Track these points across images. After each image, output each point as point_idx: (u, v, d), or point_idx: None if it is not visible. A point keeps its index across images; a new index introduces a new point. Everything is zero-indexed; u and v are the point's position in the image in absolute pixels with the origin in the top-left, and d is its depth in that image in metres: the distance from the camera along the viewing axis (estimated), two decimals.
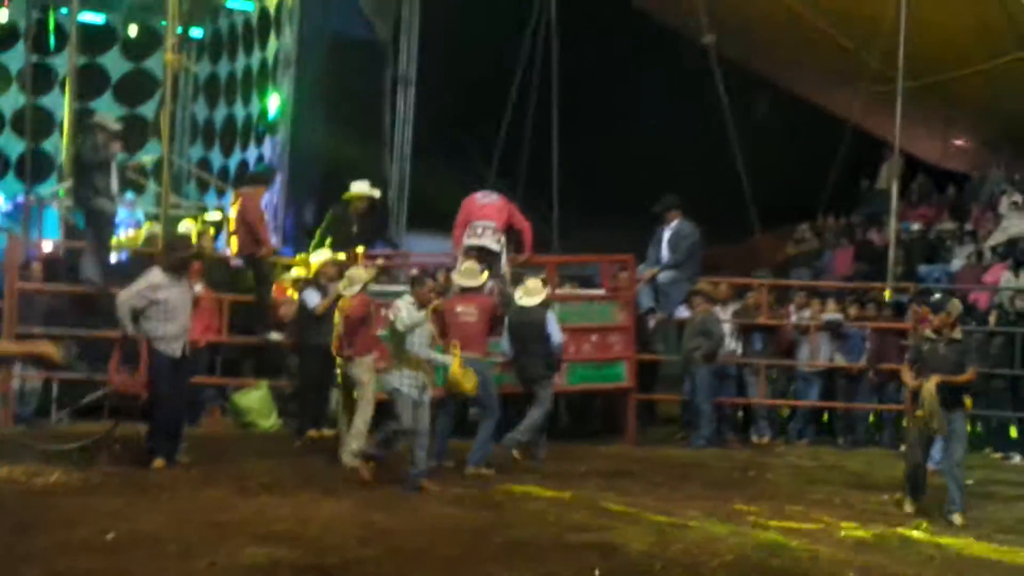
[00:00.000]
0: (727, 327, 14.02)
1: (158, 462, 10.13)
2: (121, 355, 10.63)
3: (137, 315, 10.18)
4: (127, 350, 10.78)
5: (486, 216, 12.52)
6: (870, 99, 19.32)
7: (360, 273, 11.44)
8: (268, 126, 20.44)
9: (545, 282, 12.22)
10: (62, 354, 5.03)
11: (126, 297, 10.19)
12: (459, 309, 11.07)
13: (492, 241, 12.35)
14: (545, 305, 11.78)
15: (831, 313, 14.33)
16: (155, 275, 10.30)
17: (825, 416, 14.94)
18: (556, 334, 11.73)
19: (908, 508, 9.92)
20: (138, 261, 14.12)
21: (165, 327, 10.19)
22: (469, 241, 12.37)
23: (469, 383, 10.57)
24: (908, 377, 9.96)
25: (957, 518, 9.50)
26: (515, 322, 11.69)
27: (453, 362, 10.55)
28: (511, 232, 12.99)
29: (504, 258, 12.62)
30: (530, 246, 13.07)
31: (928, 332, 9.91)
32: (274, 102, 20.11)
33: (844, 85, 20.55)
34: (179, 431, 10.55)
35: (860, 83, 18.90)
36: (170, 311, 10.21)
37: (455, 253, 12.79)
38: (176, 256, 10.51)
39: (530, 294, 11.63)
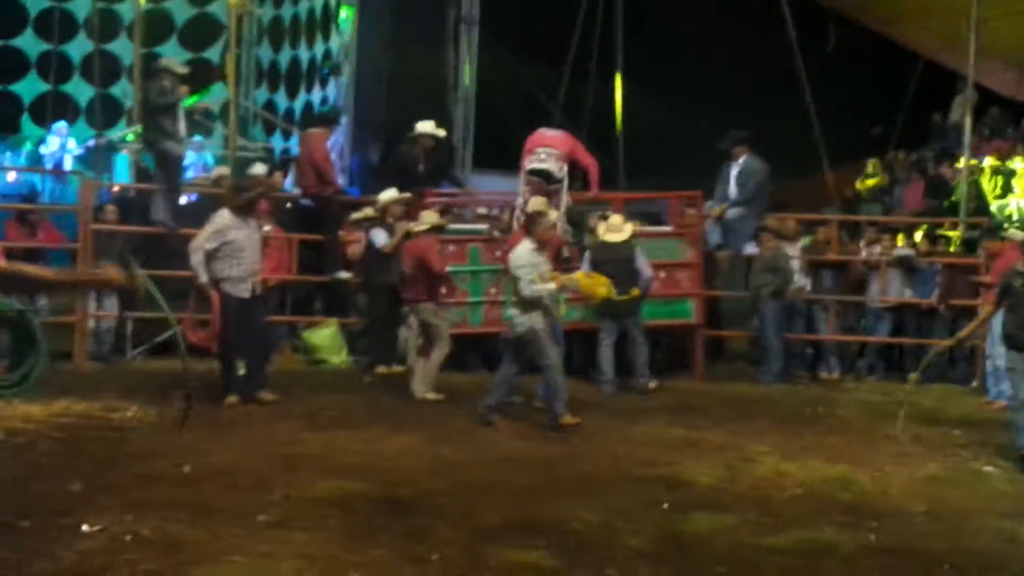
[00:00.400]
0: (796, 263, 13.89)
1: (230, 399, 10.25)
2: (197, 307, 10.64)
3: (209, 259, 10.25)
4: (201, 301, 10.75)
5: (550, 144, 12.41)
6: (943, 31, 18.92)
7: (431, 216, 11.53)
8: (332, 68, 20.46)
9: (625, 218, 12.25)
10: (134, 280, 5.04)
11: (198, 243, 10.26)
12: None
13: (555, 167, 12.17)
14: (631, 241, 12.02)
15: (902, 248, 14.13)
16: (223, 216, 10.36)
17: (896, 352, 14.79)
18: (646, 269, 12.09)
19: None
20: (208, 202, 14.29)
21: (233, 268, 10.25)
22: (532, 165, 12.10)
23: (602, 288, 10.47)
24: (987, 310, 9.71)
25: None
26: (599, 258, 11.88)
27: (578, 275, 10.56)
28: (576, 170, 12.92)
29: (566, 191, 12.51)
30: (597, 183, 12.99)
31: (1021, 267, 9.26)
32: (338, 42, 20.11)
33: (916, 16, 20.13)
34: (258, 370, 10.58)
35: (933, 15, 18.50)
36: (237, 252, 10.25)
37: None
38: (243, 197, 10.54)
39: (615, 230, 11.86)
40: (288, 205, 14.38)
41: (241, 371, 10.44)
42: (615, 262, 11.79)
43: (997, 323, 10.65)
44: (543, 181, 11.98)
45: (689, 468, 8.14)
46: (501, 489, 7.34)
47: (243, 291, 10.34)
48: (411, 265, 11.41)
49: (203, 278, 10.23)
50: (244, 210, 10.44)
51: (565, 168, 12.29)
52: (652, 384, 12.17)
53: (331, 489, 7.05)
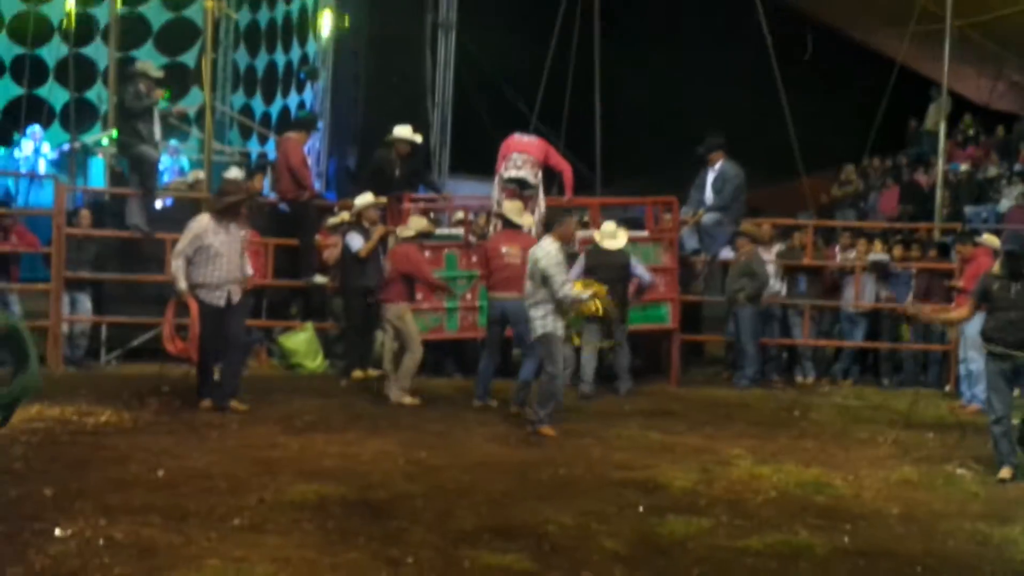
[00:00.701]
0: (771, 268, 13.95)
1: (204, 403, 10.14)
2: (174, 316, 10.18)
3: (187, 265, 10.00)
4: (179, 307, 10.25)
5: (525, 150, 12.44)
6: (918, 38, 19.02)
7: (420, 222, 11.53)
8: (309, 73, 20.44)
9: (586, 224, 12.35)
10: None
11: (179, 248, 10.04)
12: (504, 249, 11.01)
13: (531, 174, 12.26)
14: (627, 247, 12.24)
15: (877, 253, 14.21)
16: (201, 221, 10.17)
17: (871, 357, 14.88)
18: (646, 274, 12.41)
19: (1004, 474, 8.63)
20: (183, 207, 14.28)
21: (207, 274, 10.00)
22: (508, 173, 12.23)
23: (594, 304, 10.60)
24: (961, 312, 9.59)
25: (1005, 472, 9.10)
26: (595, 264, 12.01)
27: (577, 286, 10.59)
28: (552, 175, 12.98)
29: (542, 196, 12.57)
30: (571, 187, 13.03)
31: (997, 271, 9.06)
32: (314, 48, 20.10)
33: (892, 24, 20.23)
34: (230, 379, 10.30)
35: (908, 22, 18.59)
36: (213, 257, 10.00)
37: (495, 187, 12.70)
38: (223, 201, 10.27)
39: (612, 236, 11.98)
40: (265, 210, 14.35)
41: (216, 376, 10.35)
42: (610, 267, 11.95)
43: (971, 328, 10.72)
44: (518, 188, 12.06)
45: (665, 471, 8.17)
46: (477, 493, 7.34)
47: (217, 299, 10.07)
48: (394, 269, 11.38)
49: (181, 285, 9.95)
50: (224, 215, 10.19)
51: (540, 174, 12.36)
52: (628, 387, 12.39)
53: (306, 493, 7.04)
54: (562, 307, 9.77)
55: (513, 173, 12.15)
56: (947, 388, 13.36)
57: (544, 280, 9.65)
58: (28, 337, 4.75)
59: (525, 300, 10.03)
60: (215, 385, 10.26)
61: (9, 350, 4.73)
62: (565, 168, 12.85)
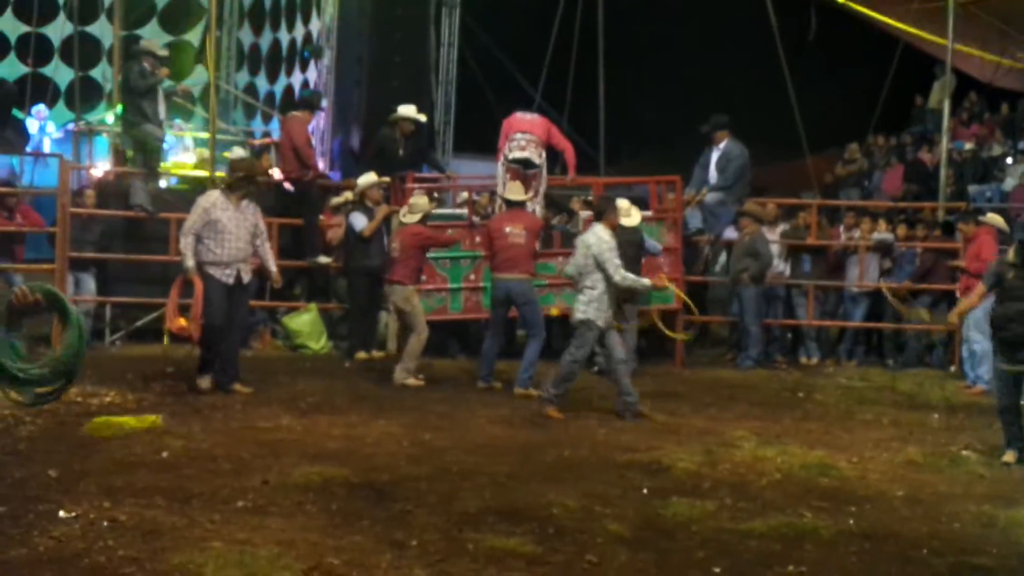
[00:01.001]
0: (775, 248, 13.92)
1: (203, 381, 10.05)
2: (180, 294, 10.13)
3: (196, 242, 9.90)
4: (184, 286, 10.20)
5: (527, 130, 12.38)
6: (922, 16, 18.94)
7: (423, 202, 11.48)
8: (313, 51, 20.39)
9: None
10: None
11: (189, 225, 9.92)
12: (507, 229, 11.02)
13: (535, 154, 12.18)
14: (640, 224, 12.26)
15: (881, 233, 14.17)
16: (210, 196, 10.06)
17: (876, 337, 14.85)
18: (656, 246, 12.56)
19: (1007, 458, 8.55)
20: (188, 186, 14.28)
21: (217, 250, 9.89)
22: (512, 154, 12.13)
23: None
24: (975, 299, 9.46)
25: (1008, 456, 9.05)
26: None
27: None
28: (553, 154, 12.93)
29: (544, 175, 12.53)
30: (574, 166, 12.99)
31: (1012, 258, 8.73)
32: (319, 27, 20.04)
33: (896, 2, 20.14)
34: (232, 361, 10.25)
35: (912, 0, 18.52)
36: (222, 233, 9.87)
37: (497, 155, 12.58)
38: (235, 176, 10.19)
39: (627, 214, 11.88)
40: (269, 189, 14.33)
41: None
42: (626, 245, 11.89)
43: (978, 310, 10.66)
44: (522, 168, 12.01)
45: (669, 453, 8.16)
46: (481, 475, 7.34)
47: (227, 277, 9.96)
48: (404, 248, 11.31)
49: (189, 262, 9.84)
50: (233, 190, 10.07)
51: (543, 154, 12.31)
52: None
53: (310, 475, 7.04)
54: (619, 292, 9.80)
55: (517, 154, 12.07)
56: (952, 368, 13.34)
57: (596, 266, 9.65)
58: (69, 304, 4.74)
59: (526, 279, 10.04)
60: (219, 366, 10.17)
61: (57, 311, 4.70)
62: (567, 147, 12.78)
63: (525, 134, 12.22)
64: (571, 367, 9.82)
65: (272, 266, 10.51)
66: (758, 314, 13.39)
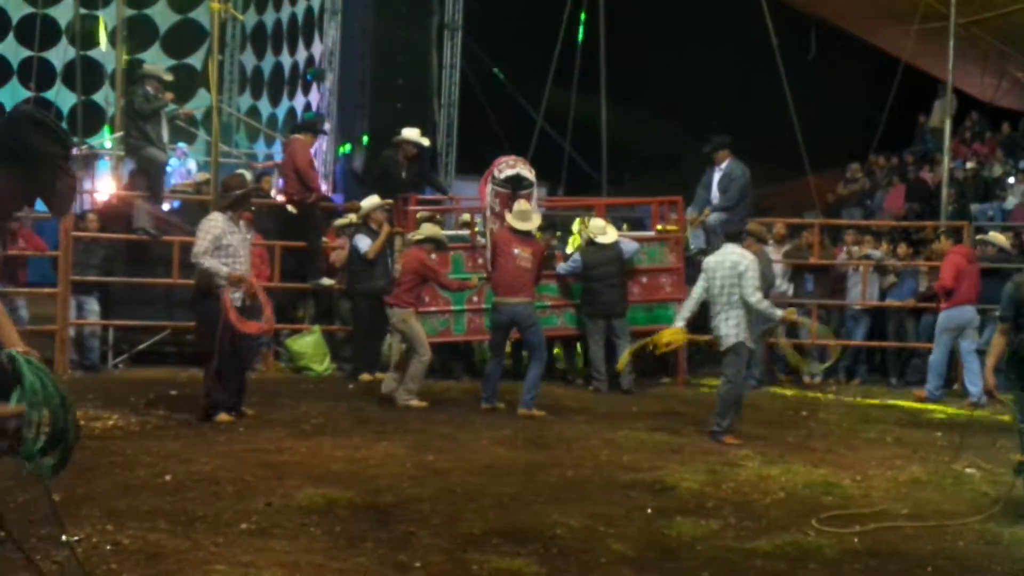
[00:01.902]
0: (778, 268, 13.92)
1: (223, 416, 9.72)
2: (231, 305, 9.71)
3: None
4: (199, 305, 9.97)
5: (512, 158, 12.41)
6: (922, 36, 19.00)
7: (432, 228, 11.48)
8: (315, 75, 20.47)
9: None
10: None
11: (203, 247, 9.63)
12: (516, 251, 10.97)
13: (525, 169, 12.11)
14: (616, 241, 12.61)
15: (872, 250, 14.29)
16: (215, 219, 9.84)
17: (879, 356, 14.84)
18: (631, 247, 12.87)
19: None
20: (191, 209, 14.30)
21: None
22: (503, 173, 11.92)
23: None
24: (1000, 344, 8.30)
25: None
26: (593, 261, 12.40)
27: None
28: (560, 176, 12.98)
29: (536, 192, 12.50)
30: None
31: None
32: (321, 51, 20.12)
33: (896, 22, 20.22)
34: (244, 383, 10.14)
35: (912, 20, 18.58)
36: (233, 257, 9.75)
37: (481, 203, 12.40)
38: (230, 195, 10.02)
39: (604, 232, 12.34)
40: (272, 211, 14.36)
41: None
42: (608, 262, 12.40)
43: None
44: (511, 190, 11.91)
45: (672, 473, 8.15)
46: (485, 496, 7.33)
47: (237, 299, 9.78)
48: (406, 271, 11.30)
49: (223, 270, 9.62)
50: (234, 207, 9.97)
51: (533, 172, 12.28)
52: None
53: (314, 497, 7.03)
54: (753, 317, 9.86)
55: (508, 172, 11.94)
56: (955, 387, 13.32)
57: (738, 285, 9.68)
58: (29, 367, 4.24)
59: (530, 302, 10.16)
60: (232, 389, 9.97)
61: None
62: None
63: (510, 158, 12.25)
64: (732, 393, 9.80)
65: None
66: (762, 333, 13.38)
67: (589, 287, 12.53)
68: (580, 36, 20.10)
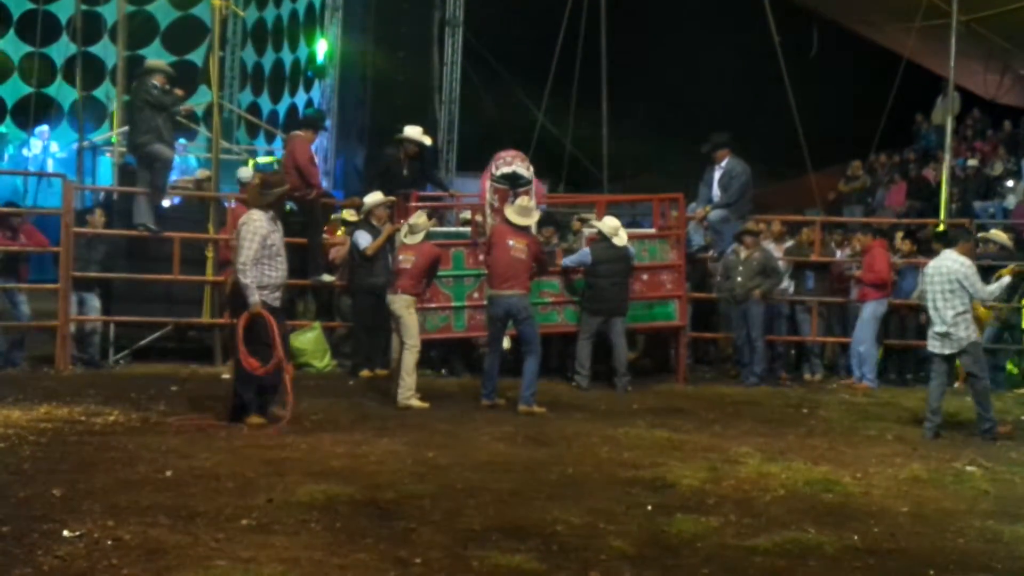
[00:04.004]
0: (780, 264, 13.91)
1: (254, 419, 9.39)
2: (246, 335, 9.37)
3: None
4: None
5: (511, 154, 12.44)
6: (924, 33, 19.00)
7: (422, 222, 11.42)
8: (317, 71, 20.46)
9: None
10: None
11: (248, 256, 9.23)
12: (511, 242, 10.96)
13: (522, 167, 12.16)
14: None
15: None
16: (257, 218, 9.41)
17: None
18: (631, 250, 12.80)
19: None
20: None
21: (273, 273, 9.40)
22: (500, 171, 12.03)
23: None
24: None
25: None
26: (601, 258, 12.45)
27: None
28: (560, 173, 12.97)
29: (534, 190, 12.50)
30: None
31: None
32: (322, 47, 20.09)
33: (898, 19, 20.22)
34: (276, 382, 9.59)
35: (914, 17, 18.57)
36: (274, 255, 9.39)
37: (481, 199, 12.53)
38: (273, 193, 9.56)
39: (617, 232, 12.43)
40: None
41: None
42: (615, 260, 12.48)
43: (866, 311, 11.18)
44: (509, 187, 11.94)
45: (673, 470, 8.15)
46: (485, 492, 7.33)
47: (275, 300, 9.48)
48: (415, 265, 11.16)
49: (254, 298, 9.24)
50: (275, 206, 9.59)
51: (531, 168, 12.31)
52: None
53: (314, 493, 7.03)
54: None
55: (504, 169, 12.02)
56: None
57: (961, 289, 10.08)
58: None
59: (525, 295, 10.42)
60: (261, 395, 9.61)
61: None
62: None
63: (508, 154, 12.28)
64: (985, 387, 10.30)
65: None
66: (763, 331, 13.39)
67: (594, 283, 12.50)
68: (581, 34, 20.07)
